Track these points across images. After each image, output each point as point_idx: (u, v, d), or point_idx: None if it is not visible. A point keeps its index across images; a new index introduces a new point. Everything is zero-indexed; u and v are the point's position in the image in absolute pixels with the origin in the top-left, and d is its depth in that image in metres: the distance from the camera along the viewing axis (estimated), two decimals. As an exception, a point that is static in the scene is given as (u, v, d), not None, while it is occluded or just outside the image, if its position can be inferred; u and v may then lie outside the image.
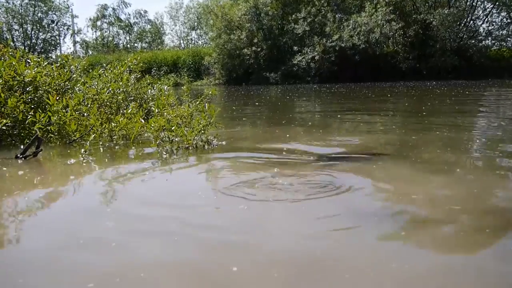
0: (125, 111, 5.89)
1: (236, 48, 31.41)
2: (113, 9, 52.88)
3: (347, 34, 27.59)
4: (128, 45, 52.98)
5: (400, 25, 27.30)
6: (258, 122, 8.30)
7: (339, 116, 8.78)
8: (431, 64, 26.85)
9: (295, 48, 29.11)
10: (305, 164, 3.73)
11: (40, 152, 4.31)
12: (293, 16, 29.74)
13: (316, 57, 27.70)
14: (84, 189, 3.30)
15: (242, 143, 5.20)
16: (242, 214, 2.49)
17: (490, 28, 30.48)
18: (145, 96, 7.05)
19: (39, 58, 6.17)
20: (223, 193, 2.88)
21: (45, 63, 6.06)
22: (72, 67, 6.54)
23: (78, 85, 6.24)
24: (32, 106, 5.30)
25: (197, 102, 5.66)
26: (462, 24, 28.77)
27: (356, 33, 27.49)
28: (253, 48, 30.45)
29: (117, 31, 53.75)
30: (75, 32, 49.48)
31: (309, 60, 27.97)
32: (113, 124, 5.26)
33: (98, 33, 53.04)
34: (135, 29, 54.13)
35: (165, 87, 7.91)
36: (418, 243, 2.08)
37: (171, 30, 78.34)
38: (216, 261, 1.91)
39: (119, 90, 6.27)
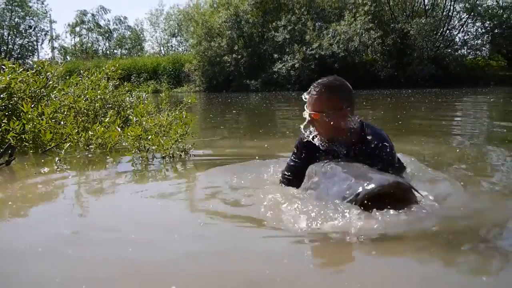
0: (102, 119, 5.81)
1: (216, 55, 31.42)
2: (93, 15, 52.44)
3: (327, 42, 27.88)
4: (108, 52, 52.53)
5: (378, 34, 27.73)
6: (236, 130, 8.30)
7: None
8: (409, 72, 27.31)
9: (276, 55, 29.27)
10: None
11: (13, 161, 4.21)
12: (274, 24, 29.92)
13: (296, 65, 27.90)
14: (53, 198, 3.25)
15: (220, 152, 5.14)
16: (203, 229, 2.42)
17: (465, 37, 31.22)
18: (123, 103, 6.98)
19: (14, 64, 6.04)
20: (190, 206, 2.84)
21: (21, 69, 5.93)
22: (48, 73, 6.42)
23: (55, 92, 6.12)
24: (6, 114, 5.18)
25: (176, 111, 5.60)
26: (439, 34, 29.38)
27: (335, 41, 27.81)
28: (234, 55, 30.51)
29: (96, 37, 53.28)
30: (53, 37, 48.85)
31: (289, 68, 28.15)
32: (90, 133, 5.17)
33: (77, 39, 52.54)
34: (115, 35, 53.74)
35: (144, 95, 7.84)
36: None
37: (151, 37, 77.85)
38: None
39: (97, 97, 6.19)
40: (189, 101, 6.01)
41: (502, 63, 31.29)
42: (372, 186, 2.24)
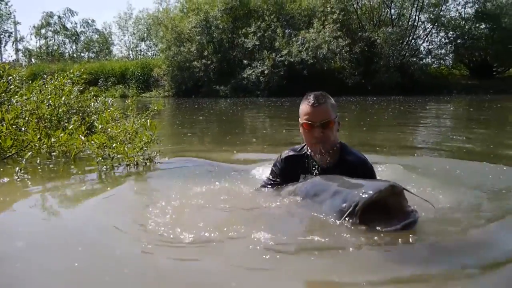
0: (66, 125, 5.70)
1: (186, 60, 31.28)
2: (59, 17, 51.29)
3: (296, 49, 28.16)
4: (74, 55, 51.46)
5: (346, 42, 28.20)
6: (204, 137, 8.30)
7: (284, 131, 8.92)
8: (376, 80, 27.87)
9: (245, 61, 29.37)
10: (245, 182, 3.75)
11: (-29, 169, 4.10)
12: (243, 30, 30.04)
13: (266, 71, 28.07)
14: (11, 208, 3.17)
15: (186, 160, 5.11)
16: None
17: (430, 47, 32.15)
18: (89, 109, 6.85)
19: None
20: (147, 216, 2.79)
21: (-20, 73, 5.77)
22: (10, 77, 6.25)
23: (16, 97, 5.97)
24: (-36, 120, 5.02)
25: (142, 118, 5.55)
26: (405, 43, 30.13)
27: (304, 48, 28.13)
28: (203, 60, 30.44)
29: (62, 40, 52.12)
30: (18, 39, 47.53)
31: (258, 74, 28.29)
32: (52, 140, 5.06)
33: (42, 41, 51.27)
34: (82, 38, 52.74)
35: (110, 100, 7.72)
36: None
37: (120, 41, 76.62)
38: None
39: (61, 103, 6.06)
40: (155, 107, 5.98)
41: (464, 72, 32.33)
42: (370, 193, 2.19)
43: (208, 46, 31.71)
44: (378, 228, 2.19)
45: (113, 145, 4.59)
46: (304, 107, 2.81)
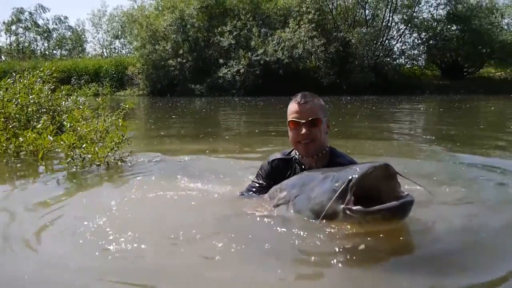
0: (35, 124, 5.64)
1: (161, 59, 31.05)
2: (30, 13, 50.22)
3: (272, 49, 28.28)
4: (47, 52, 50.45)
5: (321, 41, 28.45)
6: (178, 137, 8.29)
7: (256, 130, 9.00)
8: (350, 80, 28.21)
9: (221, 60, 29.33)
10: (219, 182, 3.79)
11: None
12: (219, 29, 29.98)
13: (241, 70, 28.10)
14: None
15: (159, 159, 5.07)
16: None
17: (403, 47, 32.78)
18: (59, 108, 6.77)
19: None
20: (115, 219, 2.76)
21: None
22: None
23: (-17, 96, 5.87)
24: None
25: (113, 116, 5.53)
26: (379, 43, 30.59)
27: (280, 48, 28.26)
28: (179, 59, 30.24)
29: (34, 37, 51.10)
30: (-14, 36, 46.33)
31: (234, 73, 28.29)
32: (20, 139, 5.01)
33: (13, 38, 50.11)
34: (54, 35, 51.75)
35: (81, 99, 7.64)
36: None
37: (93, 38, 75.85)
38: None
39: (30, 102, 5.99)
40: (127, 106, 5.96)
41: (436, 73, 33.04)
42: (364, 169, 2.11)
43: (184, 45, 31.53)
44: (373, 207, 2.05)
45: (83, 145, 4.55)
46: (291, 105, 2.76)
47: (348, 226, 2.18)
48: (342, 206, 2.12)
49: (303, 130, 2.67)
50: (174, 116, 13.31)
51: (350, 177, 2.12)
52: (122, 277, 1.98)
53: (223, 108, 17.73)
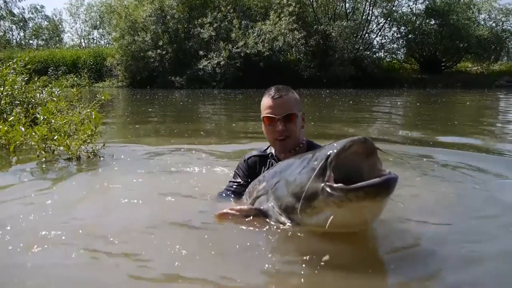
0: (7, 117, 5.57)
1: (140, 50, 30.78)
2: (5, 1, 49.08)
3: (252, 41, 28.28)
4: (22, 42, 49.46)
5: (302, 34, 28.59)
6: (156, 130, 8.26)
7: (233, 124, 9.03)
8: (330, 73, 28.44)
9: (201, 52, 29.23)
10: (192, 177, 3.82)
11: None
12: (199, 20, 29.84)
13: (222, 63, 28.05)
14: None
15: (134, 154, 4.99)
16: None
17: (383, 41, 33.19)
18: (33, 100, 6.69)
19: None
20: (70, 214, 2.71)
21: None
22: None
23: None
24: None
25: (88, 109, 5.49)
26: (359, 37, 30.90)
27: (260, 40, 28.29)
28: (158, 50, 30.03)
29: (9, 26, 49.99)
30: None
31: (214, 65, 28.23)
32: (-8, 132, 4.94)
33: (-13, 27, 48.93)
34: (30, 25, 50.76)
35: (56, 90, 7.53)
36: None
37: (71, 28, 74.45)
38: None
39: (3, 94, 5.91)
40: (103, 97, 5.90)
41: (415, 67, 33.52)
42: (341, 143, 2.02)
43: (163, 36, 31.29)
44: (355, 184, 1.93)
45: (55, 137, 4.50)
46: (265, 100, 2.64)
47: (320, 220, 2.06)
48: (322, 184, 2.00)
49: (279, 127, 2.57)
50: (151, 109, 13.20)
51: (328, 153, 2.02)
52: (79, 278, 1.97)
53: (203, 101, 17.70)
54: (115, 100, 19.31)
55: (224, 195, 2.85)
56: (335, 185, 1.96)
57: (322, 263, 1.98)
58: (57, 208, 2.83)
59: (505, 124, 9.26)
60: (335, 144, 2.05)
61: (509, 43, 31.81)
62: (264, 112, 2.64)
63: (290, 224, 2.24)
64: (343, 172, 2.08)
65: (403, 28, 32.63)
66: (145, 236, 2.33)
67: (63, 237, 2.32)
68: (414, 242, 2.31)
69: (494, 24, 31.63)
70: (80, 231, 2.39)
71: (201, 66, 28.59)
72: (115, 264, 2.05)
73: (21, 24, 49.91)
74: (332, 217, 2.00)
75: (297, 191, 2.14)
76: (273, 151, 2.80)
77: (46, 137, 4.53)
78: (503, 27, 31.44)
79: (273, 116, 2.59)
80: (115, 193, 3.26)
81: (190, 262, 2.03)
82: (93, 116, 4.72)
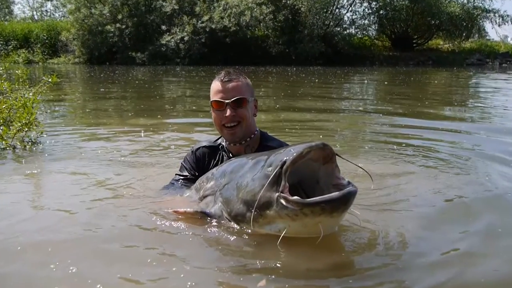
0: None
1: (98, 24, 29.85)
2: None
3: (218, 16, 27.84)
4: (-33, 13, 47.24)
5: (270, 9, 28.25)
6: (113, 110, 8.06)
7: (194, 107, 8.88)
8: (300, 49, 28.32)
9: (164, 27, 28.64)
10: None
11: None
12: (161, -8, 29.13)
13: (186, 38, 27.57)
14: None
15: (80, 142, 4.81)
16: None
17: (353, 17, 33.25)
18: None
19: None
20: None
21: None
22: None
23: None
24: None
25: (31, 93, 5.23)
26: (329, 12, 30.79)
27: (226, 15, 27.85)
28: (117, 25, 29.17)
29: (-48, -4, 47.56)
30: None
31: (178, 41, 27.73)
32: None
33: None
34: (-24, -6, 48.40)
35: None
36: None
37: (22, -1, 71.48)
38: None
39: None
40: (50, 79, 5.66)
41: (386, 44, 33.77)
42: (298, 149, 1.94)
43: (123, 9, 30.36)
44: (312, 198, 1.88)
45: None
46: (214, 84, 2.57)
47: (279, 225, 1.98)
48: (277, 194, 1.93)
49: (228, 112, 2.48)
50: (109, 88, 12.87)
51: (284, 159, 1.94)
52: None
53: (166, 78, 17.39)
54: (71, 77, 18.79)
55: (169, 190, 2.72)
56: (290, 197, 1.89)
57: (279, 268, 1.92)
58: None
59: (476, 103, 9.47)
60: (291, 150, 1.97)
61: (480, 21, 32.31)
62: (213, 96, 2.54)
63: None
64: (297, 176, 2.03)
65: (374, 3, 32.67)
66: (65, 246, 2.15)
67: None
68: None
69: (465, 1, 32.06)
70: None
71: (163, 42, 28.03)
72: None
73: (-34, -6, 47.58)
74: (285, 229, 1.95)
75: (248, 199, 2.07)
76: (223, 142, 2.71)
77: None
78: (475, 4, 31.86)
79: (222, 100, 2.50)
80: (45, 192, 3.08)
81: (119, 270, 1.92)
82: (31, 101, 4.47)
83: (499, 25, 31.98)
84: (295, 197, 1.90)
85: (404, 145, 4.67)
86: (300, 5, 28.75)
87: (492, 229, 2.40)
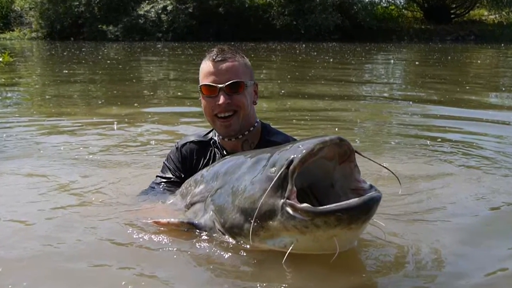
0: None
1: (60, -10, 30.02)
2: None
3: (208, -21, 27.93)
4: None
5: (274, -30, 28.37)
6: (79, 97, 8.08)
7: (179, 93, 8.90)
8: (310, 21, 28.33)
9: (142, -7, 28.78)
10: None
11: None
12: (138, -50, 29.20)
13: (169, 7, 27.68)
14: None
15: (36, 138, 4.78)
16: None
17: (377, -19, 33.16)
18: None
19: None
20: None
21: None
22: None
23: None
24: None
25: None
26: (346, -26, 30.80)
27: (220, -22, 27.94)
28: (84, -9, 29.36)
29: None
30: None
31: (159, 11, 27.82)
32: None
33: None
34: None
35: None
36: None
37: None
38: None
39: None
40: (0, 59, 5.78)
41: (418, 15, 33.81)
42: (308, 145, 1.88)
43: (91, -29, 30.50)
44: (326, 206, 1.82)
45: None
46: (204, 65, 2.51)
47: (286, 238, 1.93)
48: (282, 200, 1.88)
49: (221, 99, 2.42)
50: (74, 69, 12.89)
51: (290, 158, 1.88)
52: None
53: (144, 57, 17.43)
54: (27, 56, 18.82)
55: (148, 196, 2.70)
56: (298, 205, 1.83)
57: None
58: None
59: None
60: (300, 146, 1.92)
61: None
62: (203, 80, 2.49)
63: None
64: (307, 179, 1.99)
65: (403, -37, 32.73)
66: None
67: None
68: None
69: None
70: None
71: (141, 12, 28.18)
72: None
73: None
74: (293, 245, 1.90)
75: (247, 207, 2.03)
76: (215, 136, 2.67)
77: None
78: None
79: (214, 84, 2.44)
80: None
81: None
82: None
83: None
84: (305, 205, 1.84)
85: (439, 140, 4.68)
86: (310, -34, 28.79)
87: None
